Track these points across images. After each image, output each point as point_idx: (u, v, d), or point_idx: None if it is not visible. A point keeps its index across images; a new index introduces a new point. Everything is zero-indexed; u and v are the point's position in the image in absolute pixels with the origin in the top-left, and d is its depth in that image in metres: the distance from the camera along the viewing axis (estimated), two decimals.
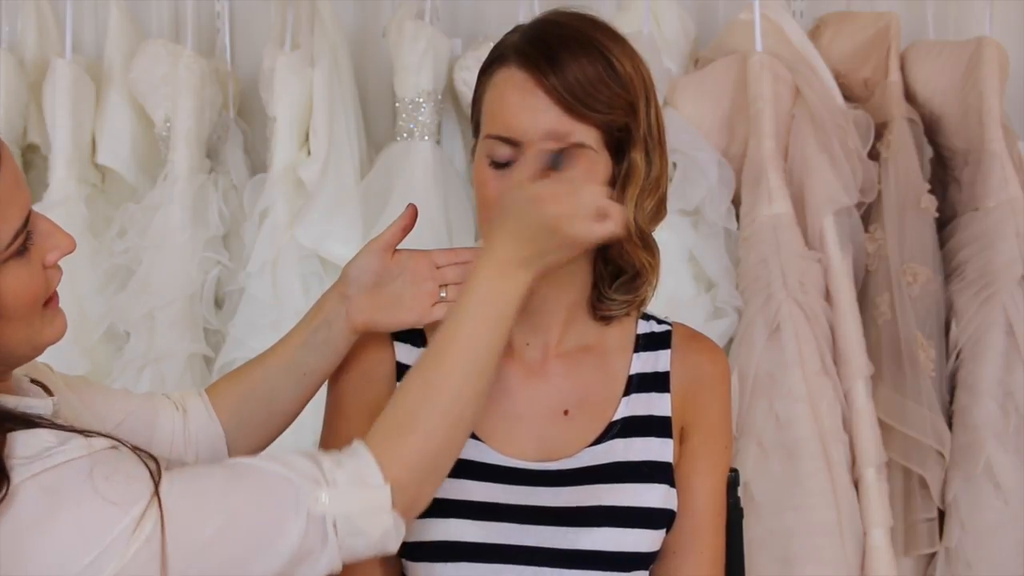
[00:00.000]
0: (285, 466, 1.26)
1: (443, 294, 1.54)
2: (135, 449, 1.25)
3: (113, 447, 1.23)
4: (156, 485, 1.20)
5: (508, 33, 1.51)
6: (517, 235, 1.34)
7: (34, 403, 1.30)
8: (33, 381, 1.38)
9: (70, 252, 1.31)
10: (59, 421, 1.29)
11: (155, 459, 1.24)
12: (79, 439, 1.22)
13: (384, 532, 1.29)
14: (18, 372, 1.36)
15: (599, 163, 1.45)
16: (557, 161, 1.38)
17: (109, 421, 1.49)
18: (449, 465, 1.35)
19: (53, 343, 1.33)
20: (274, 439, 1.61)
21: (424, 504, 1.35)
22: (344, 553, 1.27)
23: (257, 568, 1.23)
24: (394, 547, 1.31)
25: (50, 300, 1.32)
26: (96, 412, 1.48)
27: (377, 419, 1.33)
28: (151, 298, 2.57)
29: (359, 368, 1.57)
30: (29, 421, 1.24)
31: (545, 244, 1.34)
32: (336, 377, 1.58)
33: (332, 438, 1.57)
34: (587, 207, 1.33)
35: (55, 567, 1.16)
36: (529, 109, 1.43)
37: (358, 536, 1.27)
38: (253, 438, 1.58)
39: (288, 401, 1.57)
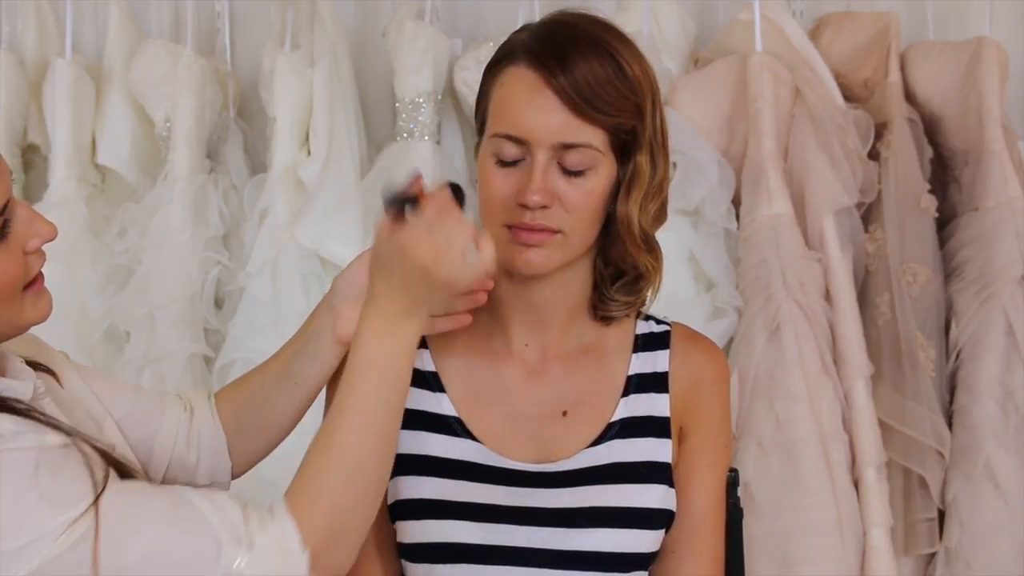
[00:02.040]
0: (218, 512, 1.26)
1: None
2: (98, 451, 1.26)
3: (64, 446, 1.25)
4: (98, 494, 1.22)
5: (516, 32, 1.50)
6: (392, 287, 1.33)
7: (12, 385, 1.31)
8: (34, 364, 1.40)
9: (51, 239, 1.33)
10: (34, 405, 1.31)
11: (107, 467, 1.26)
12: (33, 433, 1.24)
13: None
14: (18, 352, 1.38)
15: (604, 165, 1.45)
16: (405, 207, 1.33)
17: (116, 411, 1.50)
18: (363, 527, 1.34)
19: (36, 323, 1.35)
20: (272, 447, 1.61)
21: (342, 568, 1.34)
22: None
23: None
24: None
25: (33, 283, 1.34)
26: (103, 399, 1.50)
27: (292, 479, 1.33)
28: (151, 298, 2.57)
29: None
30: None
31: (422, 291, 1.33)
32: (336, 377, 1.58)
33: None
34: (454, 246, 1.31)
35: None
36: (537, 108, 1.43)
37: None
38: (251, 444, 1.58)
39: (281, 410, 1.57)
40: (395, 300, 1.33)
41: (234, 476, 1.60)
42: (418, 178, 1.35)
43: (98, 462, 1.25)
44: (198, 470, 1.56)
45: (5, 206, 1.29)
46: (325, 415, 1.45)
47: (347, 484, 1.31)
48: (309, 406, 1.59)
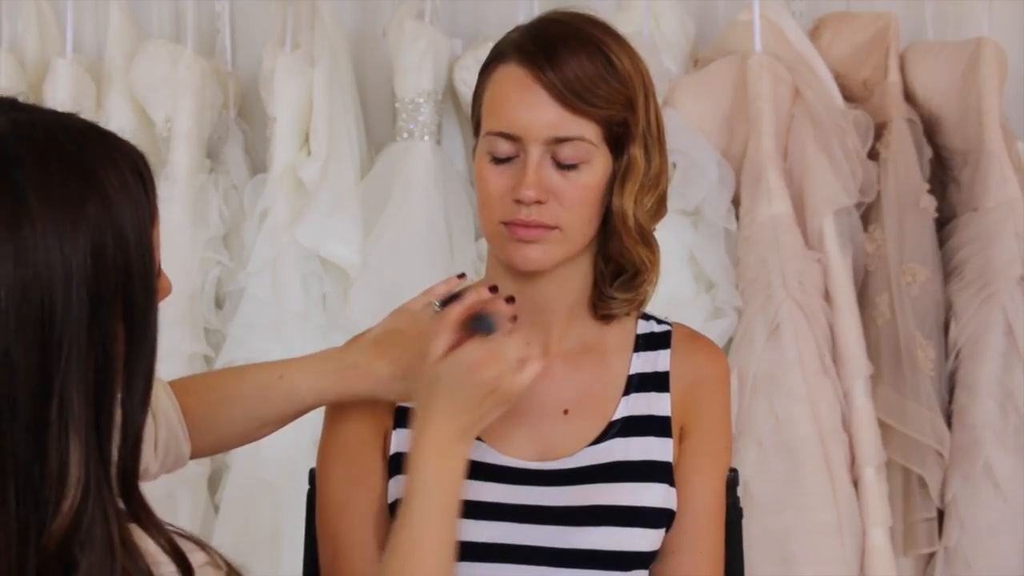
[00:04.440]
0: None
1: None
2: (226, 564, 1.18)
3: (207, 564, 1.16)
4: None
5: (508, 32, 1.52)
6: (454, 408, 1.34)
7: None
8: None
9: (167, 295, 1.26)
10: None
11: None
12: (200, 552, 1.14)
13: None
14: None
15: (598, 158, 1.46)
16: (488, 325, 1.37)
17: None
18: None
19: None
20: (232, 447, 1.58)
21: None
22: None
23: None
24: None
25: None
26: None
27: None
28: None
29: None
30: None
31: (485, 409, 1.35)
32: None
33: (332, 437, 1.57)
34: (512, 361, 1.35)
35: None
36: (528, 104, 1.44)
37: None
38: (205, 443, 1.55)
39: (242, 431, 1.55)
40: (456, 419, 1.34)
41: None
42: (466, 292, 1.41)
43: None
44: (151, 468, 1.52)
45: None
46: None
47: None
48: (259, 438, 1.57)
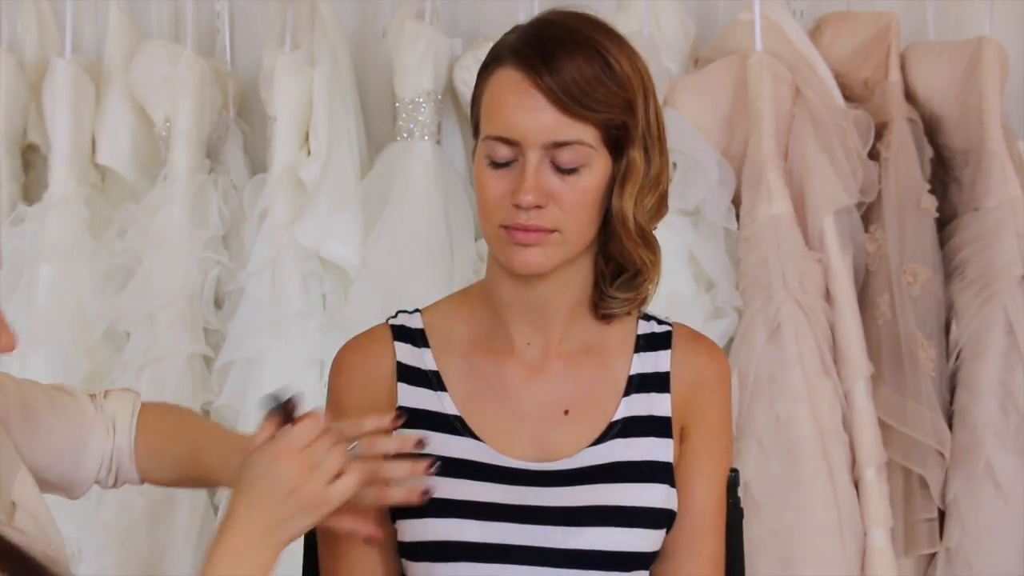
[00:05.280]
0: None
1: None
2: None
3: None
4: None
5: (506, 33, 1.52)
6: (253, 502, 1.28)
7: None
8: None
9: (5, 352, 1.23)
10: None
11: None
12: None
13: None
14: None
15: (597, 161, 1.45)
16: (283, 407, 1.32)
17: (38, 460, 1.45)
18: None
19: None
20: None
21: None
22: None
23: None
24: None
25: None
26: (24, 449, 1.43)
27: None
28: (151, 298, 2.57)
29: (359, 368, 1.57)
30: None
31: (286, 512, 1.29)
32: (336, 377, 1.58)
33: None
34: (323, 469, 1.29)
35: None
36: (525, 109, 1.43)
37: None
38: (160, 476, 1.56)
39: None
40: (257, 517, 1.27)
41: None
42: (299, 398, 1.33)
43: None
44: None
45: None
46: None
47: None
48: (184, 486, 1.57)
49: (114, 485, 1.57)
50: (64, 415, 1.52)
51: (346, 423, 1.41)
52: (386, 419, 1.43)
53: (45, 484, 1.48)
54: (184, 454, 1.53)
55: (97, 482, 1.56)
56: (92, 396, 1.57)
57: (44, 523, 1.37)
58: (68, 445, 1.51)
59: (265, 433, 1.32)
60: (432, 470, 1.41)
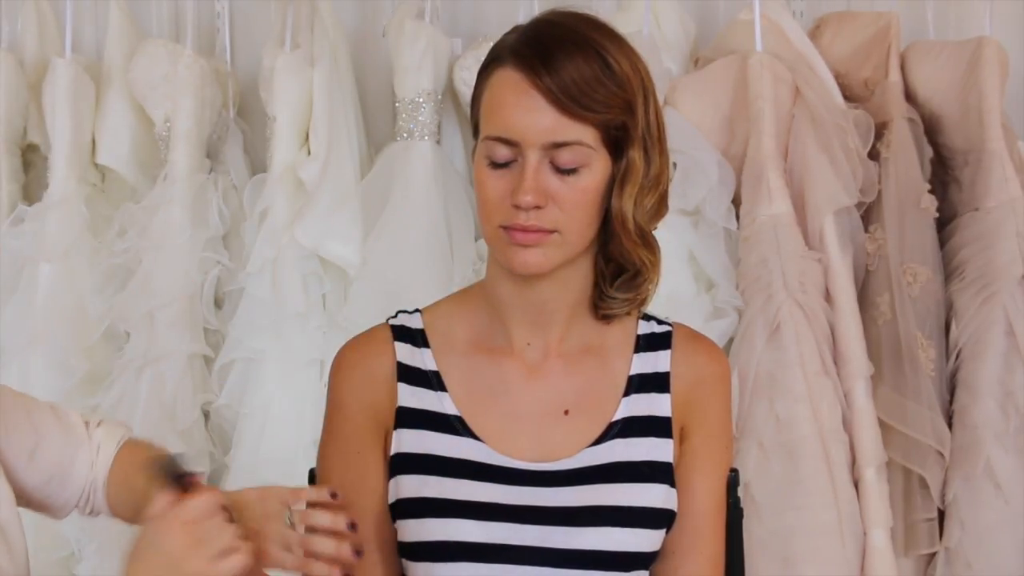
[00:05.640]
0: None
1: None
2: None
3: None
4: None
5: (506, 34, 1.52)
6: (139, 571, 1.26)
7: None
8: None
9: None
10: None
11: None
12: None
13: None
14: None
15: (597, 162, 1.45)
16: (184, 484, 1.30)
17: (29, 480, 1.46)
18: None
19: None
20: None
21: None
22: None
23: None
24: None
25: None
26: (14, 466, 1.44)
27: None
28: (151, 298, 2.57)
29: (359, 368, 1.57)
30: None
31: None
32: (336, 377, 1.58)
33: (332, 437, 1.57)
34: (208, 545, 1.26)
35: None
36: (525, 109, 1.44)
37: None
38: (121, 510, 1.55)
39: None
40: None
41: None
42: (196, 474, 1.33)
43: None
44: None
45: None
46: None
47: None
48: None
49: (90, 514, 1.56)
50: (63, 439, 1.53)
51: (286, 489, 1.40)
52: (324, 491, 1.41)
53: (30, 503, 1.49)
54: (140, 491, 1.50)
55: (76, 507, 1.55)
56: (87, 423, 1.57)
57: (12, 536, 1.37)
58: (57, 470, 1.51)
59: (164, 501, 1.30)
60: (356, 556, 1.37)
